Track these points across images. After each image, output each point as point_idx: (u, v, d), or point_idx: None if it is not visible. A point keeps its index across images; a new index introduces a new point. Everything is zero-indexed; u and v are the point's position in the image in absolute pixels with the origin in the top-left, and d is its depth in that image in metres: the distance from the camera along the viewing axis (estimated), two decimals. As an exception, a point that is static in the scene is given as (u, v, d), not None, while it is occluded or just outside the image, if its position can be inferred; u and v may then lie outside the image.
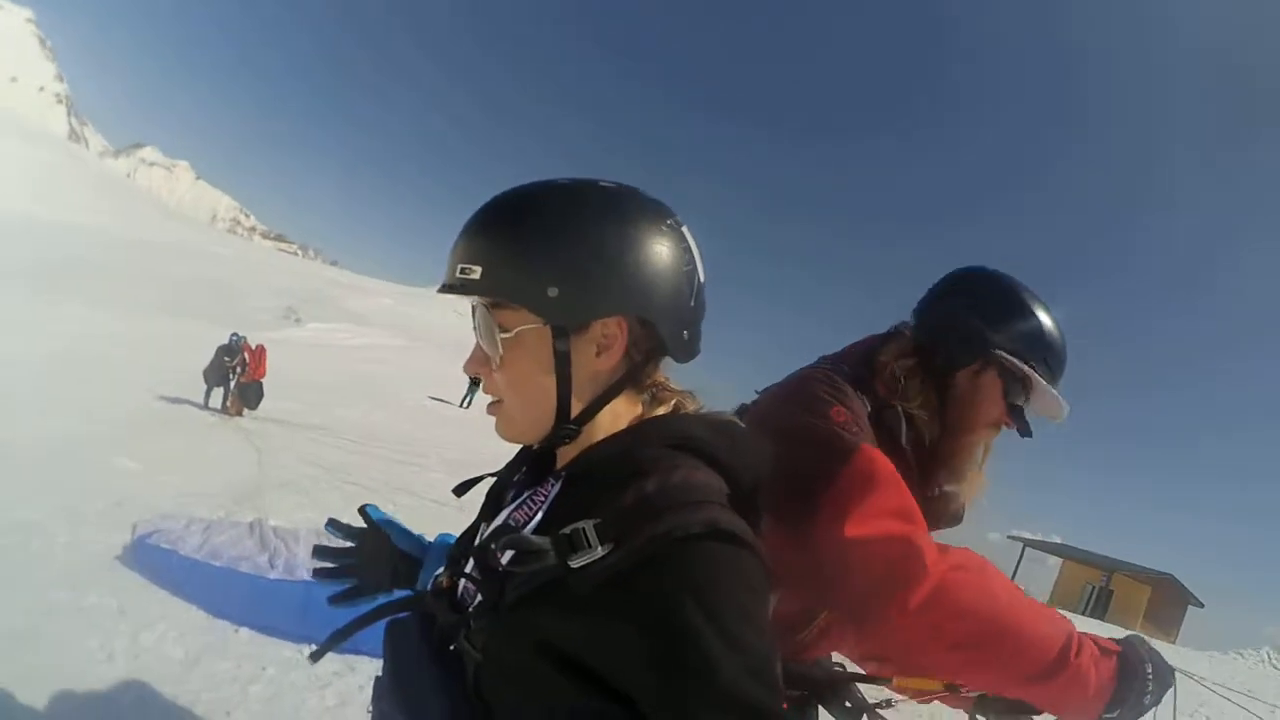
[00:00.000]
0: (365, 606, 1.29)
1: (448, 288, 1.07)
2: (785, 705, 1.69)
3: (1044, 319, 1.81)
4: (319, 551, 1.47)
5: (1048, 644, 1.45)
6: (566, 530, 0.90)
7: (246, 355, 15.26)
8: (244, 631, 4.69)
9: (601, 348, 1.05)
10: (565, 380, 1.04)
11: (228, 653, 4.41)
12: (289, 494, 8.49)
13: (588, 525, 0.89)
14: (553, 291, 1.00)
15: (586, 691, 0.90)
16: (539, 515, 1.03)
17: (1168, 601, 33.12)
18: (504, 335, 1.05)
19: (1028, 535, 36.82)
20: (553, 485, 1.07)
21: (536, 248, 1.02)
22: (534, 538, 0.91)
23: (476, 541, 1.14)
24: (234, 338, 15.66)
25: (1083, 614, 26.95)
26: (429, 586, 1.23)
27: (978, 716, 1.68)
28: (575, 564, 0.87)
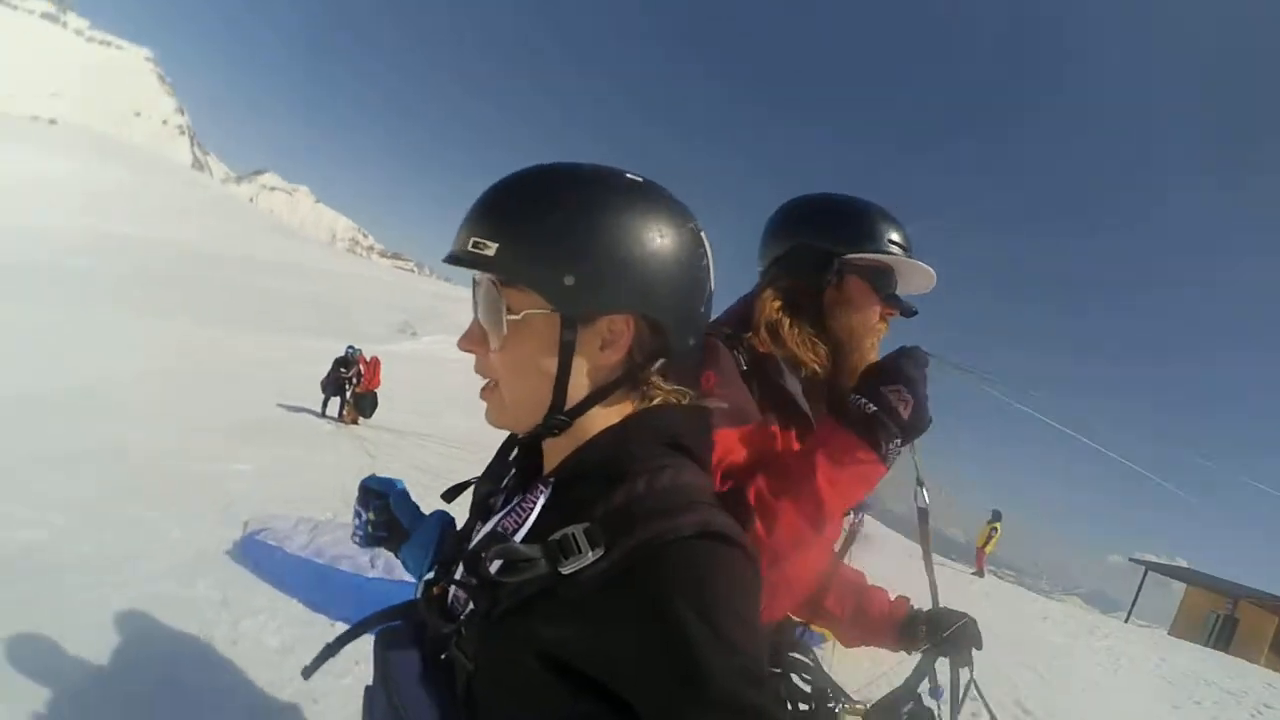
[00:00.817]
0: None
1: (455, 258, 1.02)
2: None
3: (863, 208, 1.85)
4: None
5: (793, 495, 1.49)
6: (556, 536, 0.90)
7: (361, 366, 15.71)
8: (340, 626, 4.73)
9: (606, 343, 1.03)
10: (566, 371, 1.02)
11: (322, 645, 4.28)
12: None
13: (578, 530, 0.89)
14: (569, 280, 0.97)
15: (580, 697, 0.89)
16: (529, 521, 1.02)
17: None
18: (511, 317, 1.01)
19: (1151, 559, 35.02)
20: (542, 490, 1.05)
21: (559, 232, 0.98)
22: (524, 546, 0.91)
23: (469, 547, 1.11)
24: (349, 350, 16.08)
25: (1206, 644, 25.33)
26: (418, 593, 1.22)
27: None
28: (566, 570, 0.88)
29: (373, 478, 1.56)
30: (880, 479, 1.56)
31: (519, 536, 1.01)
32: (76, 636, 3.96)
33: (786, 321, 1.83)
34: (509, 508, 1.09)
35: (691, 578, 0.86)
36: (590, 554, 0.88)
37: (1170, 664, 12.64)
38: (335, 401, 15.44)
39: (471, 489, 1.26)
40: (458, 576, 1.06)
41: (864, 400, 1.54)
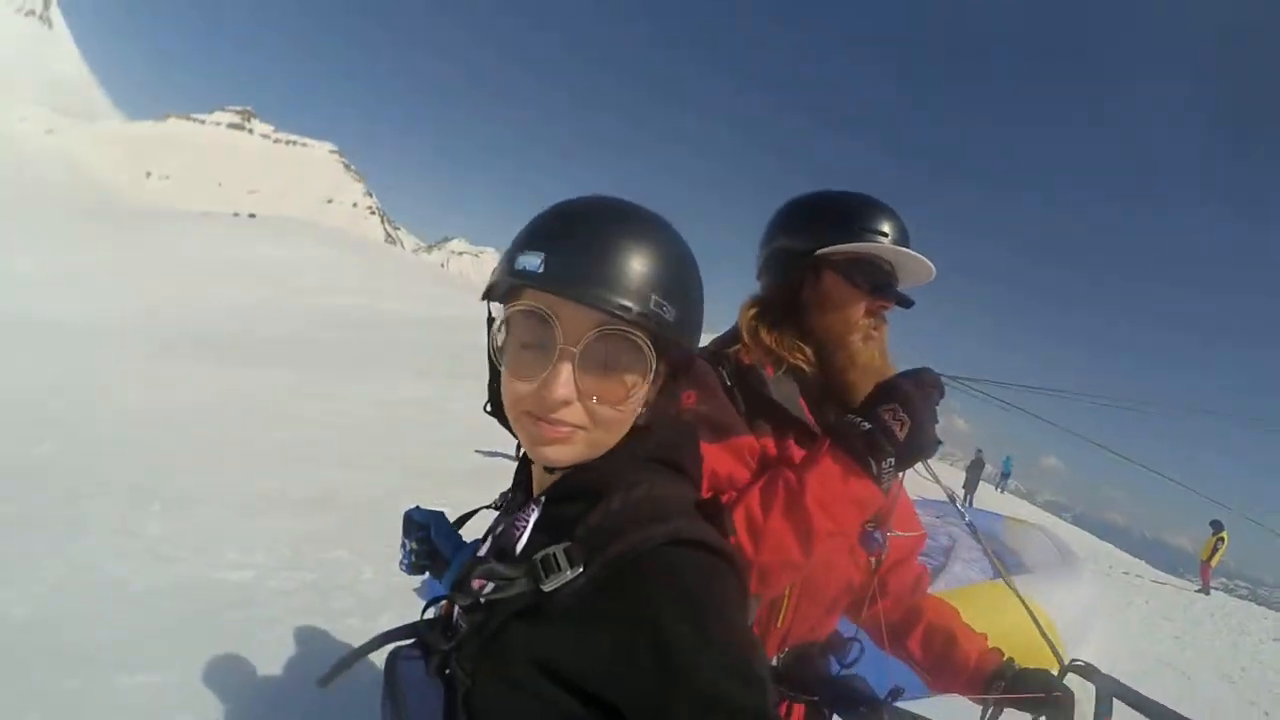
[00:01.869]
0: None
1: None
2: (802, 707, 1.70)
3: (838, 199, 1.79)
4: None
5: (781, 512, 1.46)
6: (539, 556, 0.92)
7: None
8: None
9: (646, 375, 1.02)
10: (642, 404, 1.06)
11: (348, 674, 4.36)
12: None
13: (558, 550, 0.92)
14: (689, 341, 1.05)
15: (572, 707, 0.89)
16: (522, 540, 1.03)
17: None
18: (651, 366, 1.00)
19: None
20: (533, 510, 1.06)
21: (697, 293, 1.04)
22: (504, 567, 0.94)
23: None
24: None
25: None
26: (428, 613, 1.24)
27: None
28: (548, 588, 0.89)
29: (416, 509, 1.59)
30: (876, 502, 1.52)
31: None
32: (269, 660, 4.34)
33: (764, 328, 1.79)
34: (502, 529, 1.12)
35: (667, 582, 0.87)
36: (569, 571, 0.90)
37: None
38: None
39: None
40: (457, 612, 1.09)
41: (859, 420, 1.50)
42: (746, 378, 1.72)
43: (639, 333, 0.96)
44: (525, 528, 1.04)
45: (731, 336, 1.83)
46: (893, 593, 1.96)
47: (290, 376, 17.92)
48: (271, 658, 4.37)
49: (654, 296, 0.96)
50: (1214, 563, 19.23)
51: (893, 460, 1.46)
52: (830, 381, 1.77)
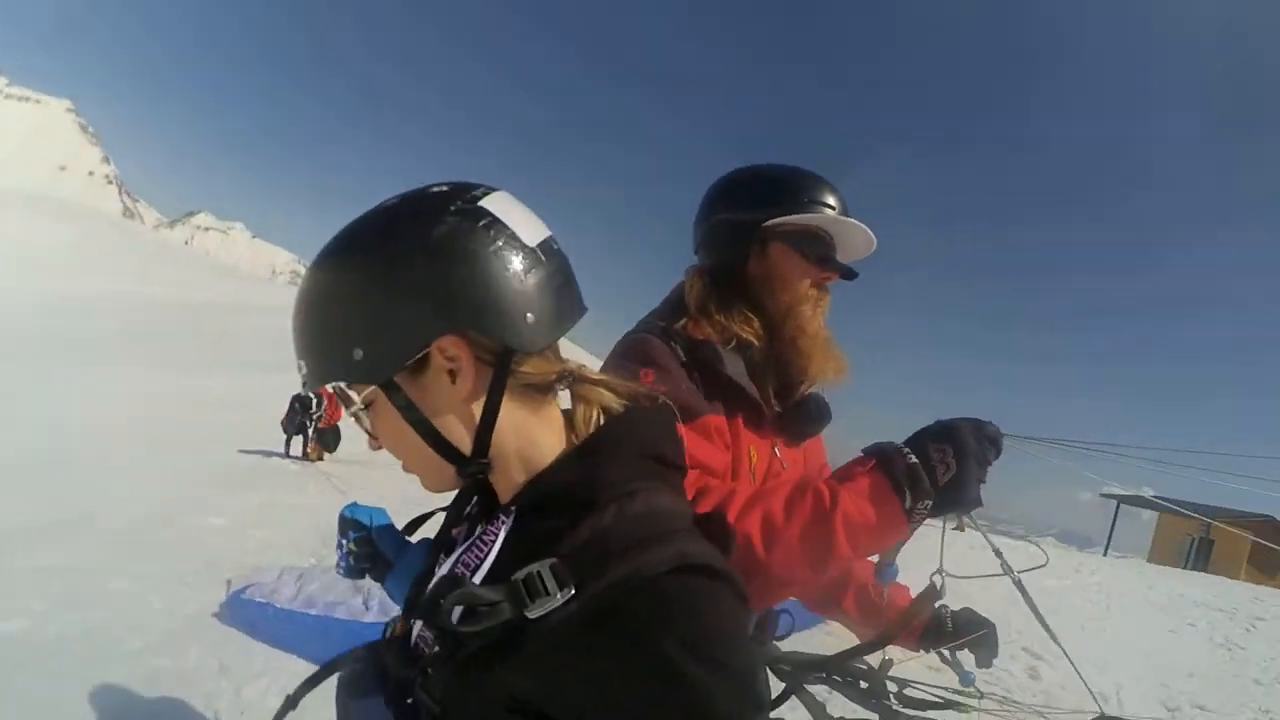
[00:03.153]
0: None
1: (304, 387, 1.04)
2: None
3: (781, 171, 1.81)
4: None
5: (805, 523, 1.40)
6: (520, 575, 0.83)
7: (325, 400, 15.59)
8: None
9: (455, 372, 0.94)
10: (425, 427, 0.96)
11: (332, 699, 4.20)
12: None
13: (543, 568, 0.82)
14: (357, 354, 0.93)
15: None
16: (490, 555, 0.93)
17: (1271, 544, 31.81)
18: (356, 410, 1.00)
19: (1119, 490, 35.82)
20: (504, 522, 0.96)
21: (321, 320, 0.97)
22: (484, 591, 0.84)
23: (429, 588, 1.00)
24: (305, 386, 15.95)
25: (1184, 567, 26.33)
26: (383, 632, 1.14)
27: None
28: (533, 615, 0.80)
29: (352, 506, 1.49)
30: (900, 537, 1.46)
31: (480, 574, 0.92)
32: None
33: (713, 302, 1.77)
34: (469, 542, 0.99)
35: (674, 615, 0.80)
36: (559, 595, 0.81)
37: (1158, 590, 13.15)
38: (298, 440, 15.30)
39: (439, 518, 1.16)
40: (417, 624, 1.01)
41: (907, 450, 1.41)
42: (701, 353, 1.69)
43: (337, 385, 1.01)
44: (495, 540, 0.94)
45: (672, 309, 1.81)
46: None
47: (22, 372, 16.53)
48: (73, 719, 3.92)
49: (300, 363, 1.00)
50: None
51: (929, 502, 1.37)
52: (778, 353, 1.78)
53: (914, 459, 1.39)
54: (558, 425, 1.02)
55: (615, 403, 1.03)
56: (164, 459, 11.43)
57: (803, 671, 1.77)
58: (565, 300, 1.00)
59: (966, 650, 1.85)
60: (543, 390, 1.00)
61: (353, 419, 1.02)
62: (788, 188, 1.76)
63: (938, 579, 1.62)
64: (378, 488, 11.87)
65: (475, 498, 1.08)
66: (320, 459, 14.82)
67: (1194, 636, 9.93)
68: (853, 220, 1.73)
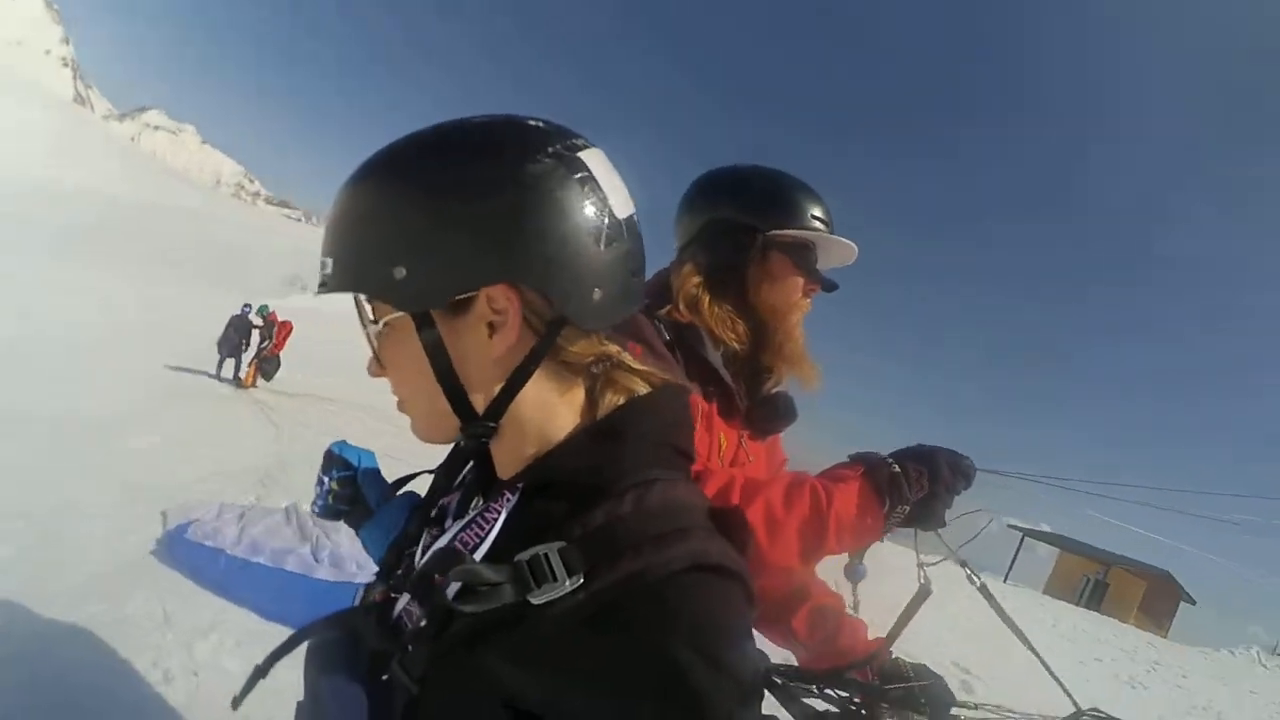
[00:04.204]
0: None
1: (318, 288, 0.92)
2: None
3: (787, 182, 1.85)
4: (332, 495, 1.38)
5: (804, 516, 1.50)
6: (525, 556, 0.77)
7: (275, 326, 15.28)
8: None
9: (495, 326, 0.86)
10: (447, 373, 0.88)
11: (290, 662, 3.75)
12: (316, 474, 8.15)
13: (551, 551, 0.77)
14: (399, 272, 0.83)
15: None
16: (492, 533, 0.87)
17: (1162, 596, 34.21)
18: (373, 328, 0.91)
19: (1019, 524, 37.13)
20: (508, 499, 0.89)
21: (372, 221, 0.86)
22: (486, 569, 0.78)
23: (419, 556, 0.98)
24: (245, 308, 15.79)
25: (1078, 604, 27.45)
26: (357, 599, 1.05)
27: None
28: (537, 600, 0.75)
29: (341, 444, 1.42)
30: (872, 540, 1.58)
31: (479, 553, 0.87)
32: None
33: (706, 298, 1.79)
34: (469, 519, 0.92)
35: (685, 615, 0.75)
36: (567, 583, 0.75)
37: (1063, 624, 13.71)
38: (230, 363, 15.04)
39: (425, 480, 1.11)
40: (404, 597, 0.94)
41: (891, 460, 1.53)
42: (686, 336, 1.73)
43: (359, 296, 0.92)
44: (497, 518, 0.88)
45: (655, 296, 1.82)
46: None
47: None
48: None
49: (321, 259, 0.90)
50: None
51: (903, 511, 1.51)
52: (759, 355, 1.83)
53: (896, 469, 1.51)
54: (579, 407, 0.93)
55: (644, 390, 0.95)
56: (93, 367, 11.10)
57: (794, 684, 1.74)
58: (634, 286, 0.94)
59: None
60: (575, 370, 0.92)
61: (368, 334, 0.93)
62: (790, 198, 1.81)
63: (923, 577, 1.68)
64: (317, 422, 11.84)
65: (469, 465, 1.05)
66: (253, 385, 14.54)
67: (1100, 670, 10.48)
68: (843, 239, 1.81)
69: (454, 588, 0.81)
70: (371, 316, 0.91)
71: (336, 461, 1.39)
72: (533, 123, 0.89)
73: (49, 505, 5.39)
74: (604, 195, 0.87)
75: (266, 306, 16.07)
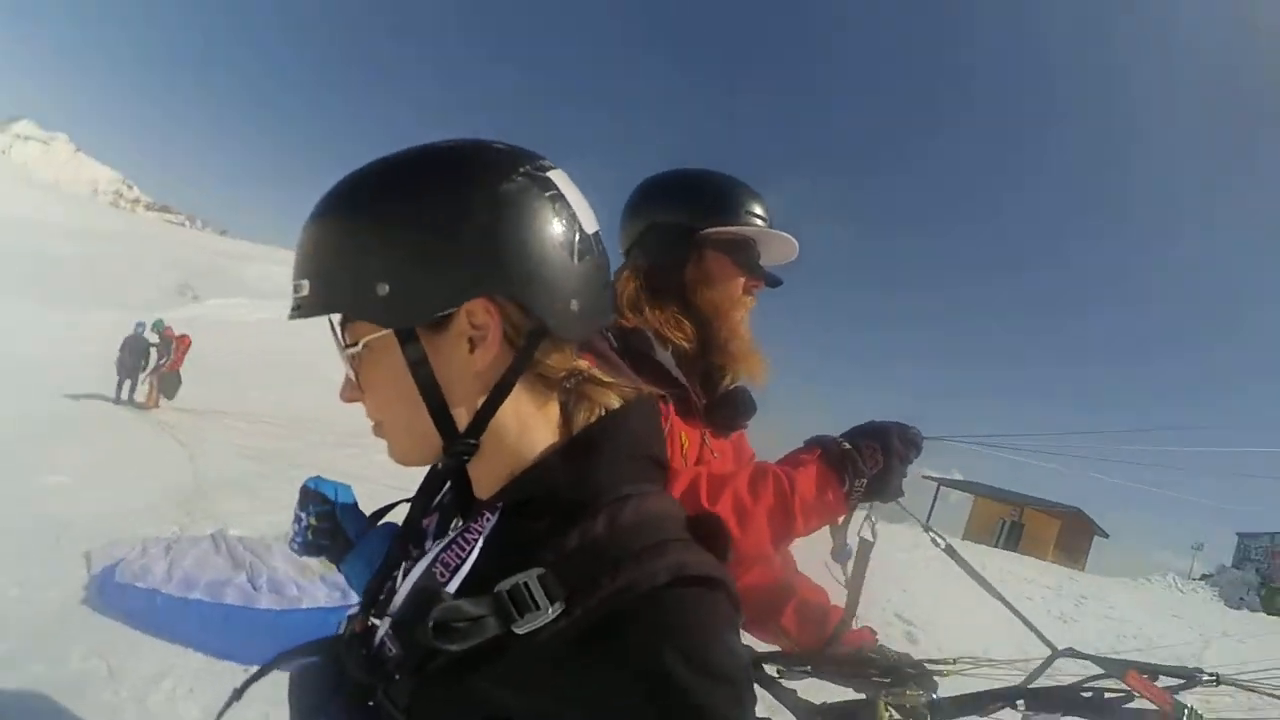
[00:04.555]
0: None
1: (291, 311, 0.92)
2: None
3: (719, 181, 1.88)
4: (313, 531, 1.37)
5: (770, 504, 1.56)
6: (506, 586, 0.77)
7: (173, 342, 14.91)
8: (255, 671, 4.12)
9: (475, 341, 0.87)
10: (431, 390, 0.88)
11: (249, 698, 3.74)
12: (237, 495, 8.13)
13: (531, 579, 0.77)
14: (382, 289, 0.84)
15: None
16: (472, 555, 0.87)
17: (1076, 533, 35.89)
18: (352, 350, 0.90)
19: (934, 474, 38.47)
20: (487, 519, 0.90)
21: (354, 242, 0.87)
22: (468, 606, 0.77)
23: (400, 581, 0.96)
24: (139, 326, 15.37)
25: (995, 546, 28.72)
26: (340, 627, 1.03)
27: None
28: (521, 630, 0.75)
29: (318, 480, 1.40)
30: (838, 518, 1.69)
31: (458, 576, 0.86)
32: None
33: (645, 303, 1.81)
34: (448, 541, 0.91)
35: (673, 629, 0.75)
36: (550, 610, 0.75)
37: (991, 566, 14.20)
38: (129, 385, 14.61)
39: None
40: (385, 623, 0.92)
41: (844, 442, 1.62)
42: (631, 341, 1.72)
43: (332, 317, 0.92)
44: (476, 541, 0.88)
45: None
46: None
47: None
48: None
49: (293, 281, 0.90)
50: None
51: (864, 484, 1.59)
52: (708, 354, 1.84)
53: (848, 446, 1.61)
54: (555, 422, 0.94)
55: (618, 404, 0.96)
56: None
57: (788, 668, 1.85)
58: (604, 298, 0.96)
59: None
60: (550, 385, 0.94)
61: (346, 361, 0.91)
62: (724, 197, 1.82)
63: (867, 534, 1.79)
64: (224, 439, 11.48)
65: (447, 485, 1.05)
66: (156, 405, 14.19)
67: (1032, 609, 10.83)
68: (782, 233, 1.83)
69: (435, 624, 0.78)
70: (348, 340, 0.90)
71: (313, 496, 1.37)
72: (500, 146, 0.91)
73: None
74: (573, 211, 0.91)
75: (161, 322, 15.68)
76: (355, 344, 0.89)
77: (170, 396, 14.54)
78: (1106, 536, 38.17)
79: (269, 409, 14.17)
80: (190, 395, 14.82)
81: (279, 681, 1.02)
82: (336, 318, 0.91)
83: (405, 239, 0.84)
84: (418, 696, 0.83)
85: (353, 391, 0.94)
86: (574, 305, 0.89)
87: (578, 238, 0.90)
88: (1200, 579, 32.22)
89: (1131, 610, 12.92)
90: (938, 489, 37.22)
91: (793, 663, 1.84)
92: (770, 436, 1.98)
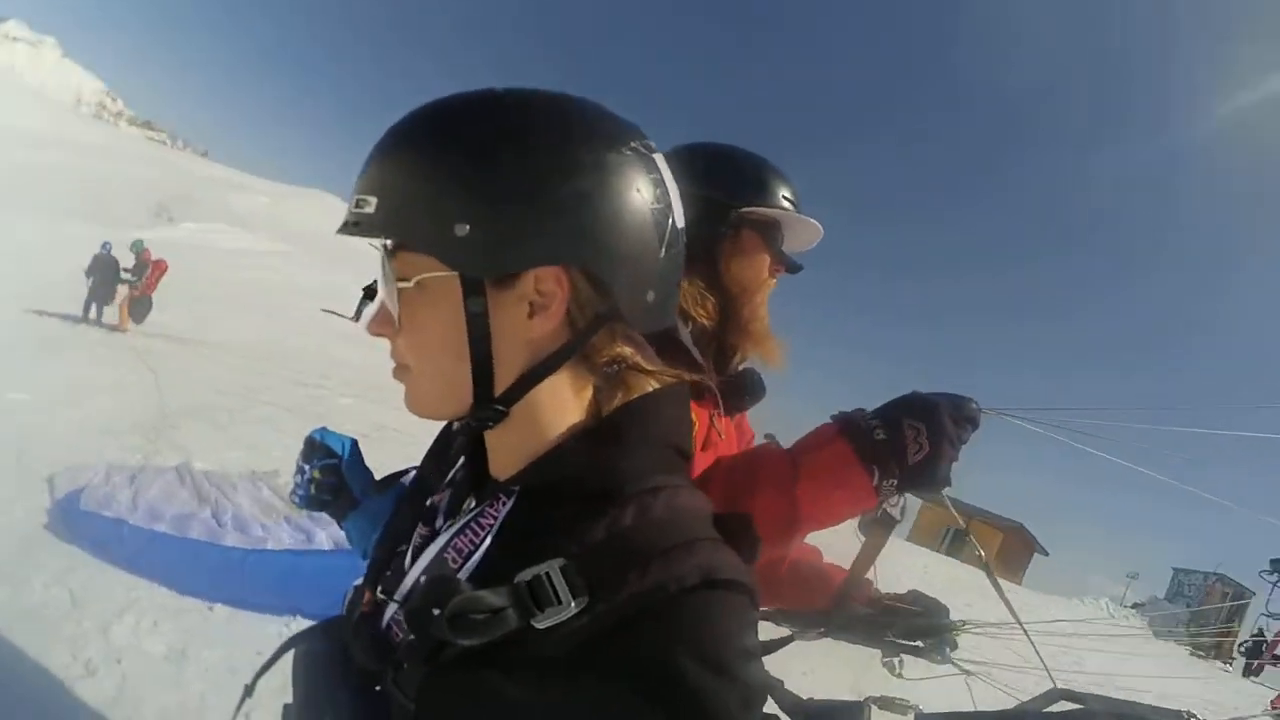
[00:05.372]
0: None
1: (345, 226, 0.85)
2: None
3: (758, 161, 1.89)
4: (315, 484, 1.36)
5: (768, 497, 1.44)
6: (526, 577, 0.74)
7: (148, 265, 14.67)
8: (219, 609, 4.28)
9: (536, 308, 0.82)
10: (482, 347, 0.83)
11: (213, 638, 3.98)
12: (203, 428, 8.05)
13: (553, 570, 0.74)
14: (461, 230, 0.78)
15: None
16: (486, 540, 0.84)
17: (1017, 547, 36.66)
18: (403, 284, 0.84)
19: None
20: (504, 503, 0.86)
21: (443, 172, 0.80)
22: (488, 597, 0.74)
23: (409, 558, 0.94)
24: (105, 246, 15.07)
25: (938, 551, 29.33)
26: (346, 600, 1.01)
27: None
28: (541, 624, 0.72)
29: (324, 431, 1.39)
30: (868, 506, 1.48)
31: (471, 564, 0.83)
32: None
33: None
34: (462, 523, 0.88)
35: (699, 634, 0.73)
36: (571, 604, 0.72)
37: (934, 572, 14.38)
38: (100, 306, 14.39)
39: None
40: (392, 617, 0.90)
41: (877, 423, 1.41)
42: None
43: (378, 242, 0.86)
44: (492, 525, 0.85)
45: None
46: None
47: None
48: None
49: (357, 196, 0.84)
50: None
51: (895, 482, 1.38)
52: (726, 332, 1.83)
53: (883, 435, 1.39)
54: (587, 406, 0.89)
55: (650, 390, 0.91)
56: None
57: (802, 630, 1.78)
58: (675, 297, 0.94)
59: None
60: (592, 368, 0.89)
61: (393, 294, 0.85)
62: (762, 176, 1.83)
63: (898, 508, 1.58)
64: (194, 369, 11.31)
65: (459, 462, 1.02)
66: (126, 329, 13.94)
67: (967, 615, 11.09)
68: (810, 219, 1.82)
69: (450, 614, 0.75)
70: (398, 271, 0.84)
71: (319, 449, 1.36)
72: (614, 115, 0.88)
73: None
74: (671, 200, 0.87)
75: (141, 243, 15.35)
76: (408, 279, 0.83)
77: (140, 321, 14.32)
78: (1047, 554, 39.15)
79: (241, 343, 13.87)
80: (160, 320, 14.62)
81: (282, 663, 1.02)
82: (384, 245, 0.86)
83: (500, 183, 0.79)
84: (427, 686, 0.80)
85: (386, 327, 0.88)
86: (650, 296, 0.86)
87: (670, 227, 0.87)
88: (1132, 607, 33.01)
89: (1063, 627, 13.12)
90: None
91: (807, 623, 1.78)
92: (770, 423, 1.90)
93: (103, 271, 14.48)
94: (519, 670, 0.74)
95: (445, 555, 0.86)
